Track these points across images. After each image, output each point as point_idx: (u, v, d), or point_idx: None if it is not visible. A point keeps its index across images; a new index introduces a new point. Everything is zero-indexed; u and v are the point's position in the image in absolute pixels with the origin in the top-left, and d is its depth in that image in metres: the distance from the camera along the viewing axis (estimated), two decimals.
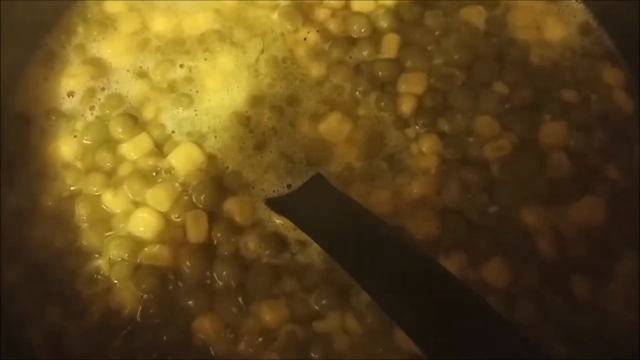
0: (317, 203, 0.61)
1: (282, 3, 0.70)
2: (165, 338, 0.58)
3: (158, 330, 0.59)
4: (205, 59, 0.68)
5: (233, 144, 0.65)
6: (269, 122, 0.65)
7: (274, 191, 0.63)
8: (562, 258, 0.60)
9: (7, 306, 0.59)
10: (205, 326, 0.58)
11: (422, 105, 0.65)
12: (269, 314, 0.58)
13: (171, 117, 0.66)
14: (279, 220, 0.62)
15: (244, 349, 0.58)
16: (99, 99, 0.67)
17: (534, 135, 0.65)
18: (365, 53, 0.68)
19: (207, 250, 0.61)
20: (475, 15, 0.71)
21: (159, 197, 0.62)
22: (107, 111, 0.66)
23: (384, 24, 0.69)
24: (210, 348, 0.58)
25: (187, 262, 0.60)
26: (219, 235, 0.61)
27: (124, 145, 0.64)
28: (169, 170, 0.63)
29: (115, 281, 0.60)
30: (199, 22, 0.69)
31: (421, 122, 0.65)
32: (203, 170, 0.63)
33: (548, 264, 0.60)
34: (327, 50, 0.68)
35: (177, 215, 0.62)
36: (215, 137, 0.65)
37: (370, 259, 0.52)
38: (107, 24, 0.70)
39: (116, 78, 0.68)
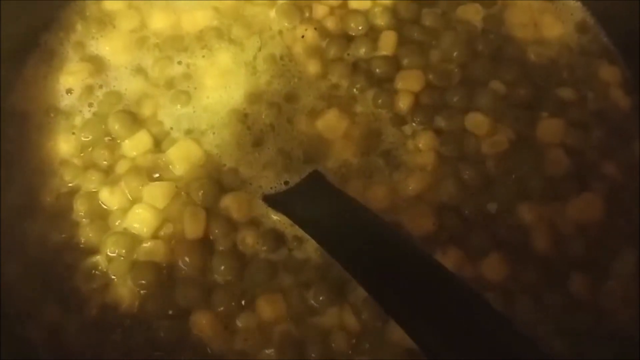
0: (314, 199, 0.61)
1: (280, 1, 0.70)
2: (162, 334, 0.58)
3: (155, 326, 0.59)
4: (204, 56, 0.68)
5: (231, 140, 0.65)
6: (266, 119, 0.66)
7: (271, 188, 0.63)
8: (559, 255, 0.61)
9: (6, 302, 0.60)
10: (202, 322, 0.58)
11: (419, 103, 0.66)
12: (266, 310, 0.58)
13: (169, 114, 0.66)
14: (276, 217, 0.62)
15: (241, 345, 0.58)
16: (98, 96, 0.67)
17: (531, 132, 0.65)
18: (362, 50, 0.68)
19: (205, 247, 0.61)
20: (473, 13, 0.71)
21: (156, 193, 0.62)
22: (106, 108, 0.66)
23: (381, 21, 0.69)
24: (207, 344, 0.58)
25: (185, 258, 0.60)
26: (216, 231, 0.61)
27: (122, 142, 0.64)
28: (167, 166, 0.63)
29: (113, 277, 0.60)
30: (198, 19, 0.69)
31: (418, 119, 0.65)
32: (201, 166, 0.64)
33: (545, 261, 0.60)
34: (325, 47, 0.68)
35: (174, 212, 0.62)
36: (214, 134, 0.65)
37: (367, 254, 0.52)
38: (106, 21, 0.70)
39: (114, 75, 0.68)
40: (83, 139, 0.65)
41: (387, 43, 0.68)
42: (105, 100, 0.66)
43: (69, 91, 0.67)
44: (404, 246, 0.53)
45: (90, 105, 0.67)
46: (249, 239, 0.60)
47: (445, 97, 0.66)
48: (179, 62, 0.68)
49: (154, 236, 0.61)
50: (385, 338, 0.57)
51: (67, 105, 0.67)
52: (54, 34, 0.69)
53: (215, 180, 0.63)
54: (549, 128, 0.65)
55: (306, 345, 0.57)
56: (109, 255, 0.61)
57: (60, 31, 0.70)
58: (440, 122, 0.65)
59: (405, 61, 0.67)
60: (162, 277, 0.60)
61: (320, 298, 0.58)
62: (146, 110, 0.66)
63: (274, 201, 0.62)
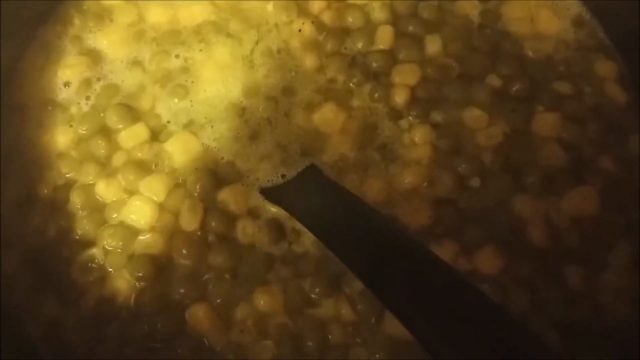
0: (311, 193, 0.61)
1: None
2: (159, 326, 0.59)
3: (152, 319, 0.59)
4: (201, 50, 0.69)
5: (228, 134, 0.65)
6: (264, 112, 0.66)
7: (268, 181, 0.63)
8: (554, 248, 0.61)
9: (4, 294, 0.60)
10: (199, 314, 0.58)
11: (415, 96, 0.66)
12: (263, 302, 0.58)
13: (167, 107, 0.66)
14: (273, 209, 0.62)
15: (237, 336, 0.58)
16: (95, 89, 0.67)
17: (527, 126, 0.65)
18: (359, 45, 0.68)
19: (202, 239, 0.61)
20: (470, 8, 0.71)
21: (154, 186, 0.62)
22: (103, 101, 0.66)
23: (378, 15, 0.69)
24: (204, 336, 0.58)
25: (182, 251, 0.60)
26: (213, 224, 0.61)
27: (119, 134, 0.64)
28: (165, 159, 0.64)
29: (110, 269, 0.61)
30: (195, 13, 0.70)
31: (414, 113, 0.65)
32: (199, 159, 0.64)
33: (541, 254, 0.61)
34: (322, 41, 0.69)
35: (171, 204, 0.62)
36: (211, 127, 0.65)
37: (363, 247, 0.52)
38: (103, 15, 0.70)
39: (112, 68, 0.68)
40: (80, 131, 0.65)
41: (384, 37, 0.68)
42: (103, 93, 0.67)
43: (66, 84, 0.67)
44: (399, 238, 0.54)
45: (88, 98, 0.67)
46: (248, 229, 0.61)
47: (441, 91, 0.66)
48: (177, 56, 0.68)
49: (151, 229, 0.61)
50: (382, 329, 0.57)
51: (65, 98, 0.67)
52: (52, 27, 0.70)
53: (213, 173, 0.63)
54: (545, 122, 0.65)
55: (303, 337, 0.58)
56: (106, 248, 0.61)
57: (58, 25, 0.70)
58: (437, 115, 0.65)
59: (401, 55, 0.68)
60: (159, 269, 0.60)
61: (317, 290, 0.58)
62: (143, 104, 0.66)
63: (271, 194, 0.62)
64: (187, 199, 0.62)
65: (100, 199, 0.63)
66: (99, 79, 0.68)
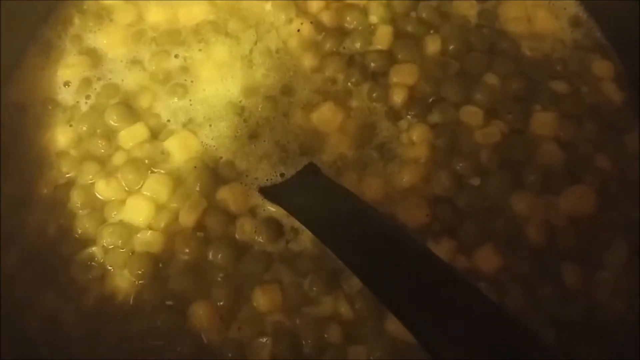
0: (310, 191, 0.61)
1: None
2: (159, 324, 0.59)
3: (152, 316, 0.59)
4: (200, 50, 0.69)
5: (227, 133, 0.65)
6: (262, 112, 0.66)
7: (267, 180, 0.64)
8: (551, 246, 0.61)
9: (4, 292, 0.60)
10: (198, 312, 0.59)
11: (413, 96, 0.66)
12: (262, 300, 0.58)
13: (166, 106, 0.67)
14: (272, 208, 0.62)
15: (236, 334, 0.58)
16: (95, 88, 0.67)
17: (524, 125, 0.66)
18: (358, 44, 0.69)
19: (201, 237, 0.61)
20: (467, 8, 0.71)
21: (153, 184, 0.62)
22: (103, 101, 0.67)
23: (376, 15, 0.70)
24: (203, 333, 0.58)
25: (181, 249, 0.61)
26: (213, 222, 0.61)
27: (119, 134, 0.65)
28: (165, 158, 0.64)
29: (110, 268, 0.61)
30: (194, 13, 0.70)
31: (412, 112, 0.66)
32: (198, 158, 0.64)
33: (538, 252, 0.61)
34: (321, 41, 0.69)
35: (171, 203, 0.62)
36: (210, 126, 0.66)
37: (362, 245, 0.53)
38: (103, 15, 0.70)
39: (112, 68, 0.68)
40: (80, 131, 0.66)
41: (383, 37, 0.68)
42: (103, 93, 0.67)
43: (66, 84, 0.68)
44: (398, 236, 0.54)
45: (88, 97, 0.67)
46: (247, 226, 0.61)
47: (439, 91, 0.67)
48: (176, 56, 0.69)
49: (150, 227, 0.61)
50: (380, 327, 0.58)
51: (65, 97, 0.67)
52: (52, 27, 0.70)
53: (212, 172, 0.64)
54: (543, 121, 0.66)
55: (301, 335, 0.58)
56: (105, 246, 0.61)
57: (58, 24, 0.70)
58: (435, 115, 0.66)
59: (400, 55, 0.68)
60: (159, 267, 0.60)
61: (315, 288, 0.59)
62: (143, 103, 0.67)
63: (270, 193, 0.63)
64: (187, 197, 0.62)
65: (100, 198, 0.63)
66: (98, 79, 0.68)
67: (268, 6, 0.70)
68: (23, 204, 0.64)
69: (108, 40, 0.69)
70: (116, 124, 0.65)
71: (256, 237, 0.61)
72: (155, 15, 0.70)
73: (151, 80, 0.68)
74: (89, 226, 0.62)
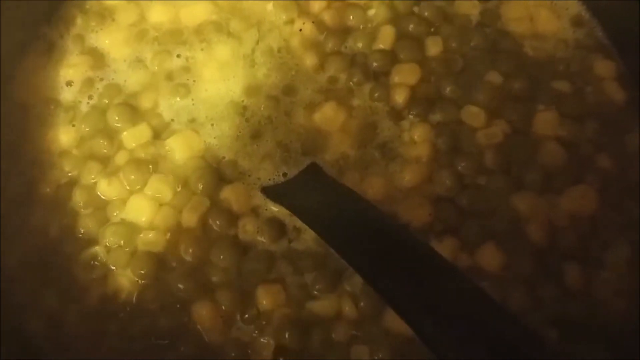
0: (312, 191, 0.61)
1: None
2: (161, 323, 0.59)
3: (155, 316, 0.59)
4: (202, 50, 0.69)
5: (230, 133, 0.65)
6: (265, 111, 0.66)
7: (269, 179, 0.64)
8: (553, 245, 0.61)
9: (6, 292, 0.60)
10: (201, 312, 0.59)
11: (415, 96, 0.66)
12: (265, 299, 0.59)
13: (169, 106, 0.67)
14: (275, 208, 0.62)
15: (239, 334, 0.59)
16: (97, 88, 0.67)
17: (527, 124, 0.66)
18: (360, 44, 0.69)
19: (204, 237, 0.61)
20: (470, 8, 0.71)
21: (156, 184, 0.62)
22: (105, 100, 0.67)
23: (378, 15, 0.70)
24: (206, 333, 0.59)
25: (184, 249, 0.61)
26: (216, 222, 0.61)
27: (122, 134, 0.65)
28: (167, 157, 0.64)
29: (113, 267, 0.61)
30: (196, 12, 0.70)
31: (414, 112, 0.66)
32: (201, 158, 0.64)
33: (540, 251, 0.61)
34: (322, 41, 0.69)
35: (173, 202, 0.62)
36: (212, 125, 0.66)
37: (364, 244, 0.53)
38: (105, 15, 0.71)
39: (114, 68, 0.68)
40: (82, 131, 0.66)
41: (385, 37, 0.68)
42: (105, 92, 0.67)
43: (69, 83, 0.68)
44: (400, 235, 0.54)
45: (90, 97, 0.67)
46: (249, 226, 0.61)
47: (441, 90, 0.67)
48: (178, 56, 0.69)
49: (152, 226, 0.62)
50: (384, 327, 0.58)
51: (67, 97, 0.67)
52: (54, 27, 0.70)
53: (215, 172, 0.64)
54: (545, 121, 0.66)
55: (304, 334, 0.58)
56: (108, 246, 0.61)
57: (60, 24, 0.70)
58: (436, 114, 0.66)
59: (402, 55, 0.68)
60: (162, 267, 0.61)
61: (318, 287, 0.59)
62: (145, 103, 0.67)
63: (272, 193, 0.63)
64: (189, 196, 0.62)
65: (102, 197, 0.63)
66: (101, 79, 0.68)
67: (270, 6, 0.70)
68: (25, 204, 0.64)
69: (110, 40, 0.69)
70: (118, 124, 0.65)
71: (259, 237, 0.61)
72: (158, 15, 0.70)
73: (153, 80, 0.68)
74: (91, 226, 0.62)
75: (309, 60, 0.68)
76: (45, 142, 0.65)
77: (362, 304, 0.58)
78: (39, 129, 0.66)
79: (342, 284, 0.59)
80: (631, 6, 0.66)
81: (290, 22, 0.70)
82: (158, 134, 0.66)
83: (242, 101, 0.67)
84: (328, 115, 0.65)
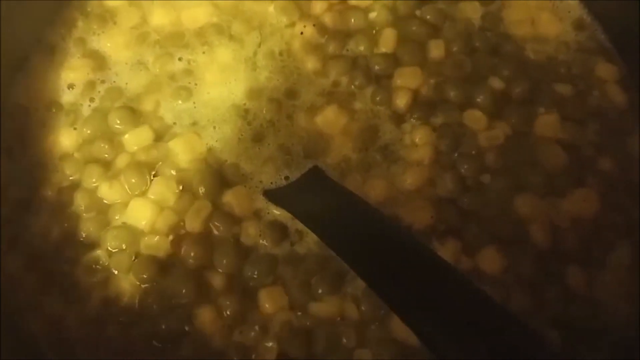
0: (314, 194, 0.61)
1: None
2: (163, 327, 0.59)
3: (156, 319, 0.59)
4: (204, 53, 0.69)
5: (231, 136, 0.65)
6: (267, 114, 0.66)
7: (271, 183, 0.64)
8: (556, 248, 0.61)
9: (7, 295, 0.60)
10: (203, 316, 0.59)
11: (417, 99, 0.66)
12: (267, 302, 0.58)
13: (170, 109, 0.67)
14: (277, 211, 0.62)
15: (241, 337, 0.58)
16: (99, 91, 0.67)
17: (528, 127, 0.66)
18: (361, 47, 0.69)
19: (206, 241, 0.61)
20: (471, 11, 0.71)
21: (157, 187, 0.62)
22: (107, 103, 0.67)
23: (380, 18, 0.70)
24: (208, 337, 0.58)
25: (186, 252, 0.60)
26: (218, 225, 0.61)
27: (124, 137, 0.65)
28: (169, 161, 0.64)
29: (115, 271, 0.61)
30: (198, 15, 0.70)
31: (416, 115, 0.66)
32: (202, 161, 0.64)
33: (542, 254, 0.61)
34: (324, 44, 0.69)
35: (176, 206, 0.62)
36: (214, 128, 0.66)
37: (366, 247, 0.53)
38: (107, 18, 0.71)
39: (116, 71, 0.68)
40: (84, 134, 0.66)
41: (387, 41, 0.68)
42: (107, 95, 0.67)
43: (70, 86, 0.68)
44: (402, 239, 0.54)
45: (92, 100, 0.67)
46: (251, 230, 0.61)
47: (442, 93, 0.67)
48: (180, 59, 0.69)
49: (154, 230, 0.61)
50: (386, 330, 0.58)
51: (69, 100, 0.67)
52: (56, 30, 0.70)
53: (217, 175, 0.64)
54: (546, 123, 0.66)
55: (306, 337, 0.58)
56: (110, 250, 0.61)
57: (61, 27, 0.70)
58: (438, 117, 0.66)
59: (404, 58, 0.68)
60: (164, 270, 0.60)
61: (320, 290, 0.59)
62: (147, 106, 0.67)
63: (274, 196, 0.63)
64: (192, 200, 0.62)
65: (104, 201, 0.63)
66: (102, 82, 0.68)
67: (271, 8, 0.70)
68: (27, 207, 0.64)
69: (112, 43, 0.69)
70: (120, 127, 0.65)
71: (261, 240, 0.61)
72: (159, 18, 0.70)
73: (155, 83, 0.68)
74: (93, 229, 0.62)
75: (311, 64, 0.68)
76: (46, 145, 0.65)
77: (364, 306, 0.58)
78: (41, 131, 0.66)
79: (344, 287, 0.59)
80: (633, 9, 0.66)
81: (292, 25, 0.70)
82: (160, 137, 0.65)
83: (244, 104, 0.67)
84: (330, 118, 0.65)
